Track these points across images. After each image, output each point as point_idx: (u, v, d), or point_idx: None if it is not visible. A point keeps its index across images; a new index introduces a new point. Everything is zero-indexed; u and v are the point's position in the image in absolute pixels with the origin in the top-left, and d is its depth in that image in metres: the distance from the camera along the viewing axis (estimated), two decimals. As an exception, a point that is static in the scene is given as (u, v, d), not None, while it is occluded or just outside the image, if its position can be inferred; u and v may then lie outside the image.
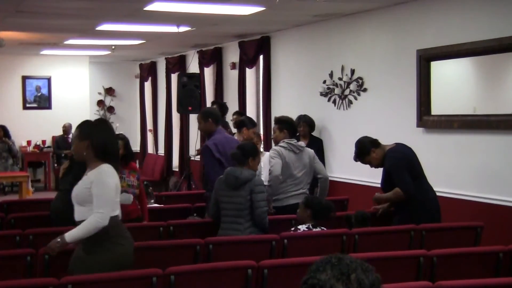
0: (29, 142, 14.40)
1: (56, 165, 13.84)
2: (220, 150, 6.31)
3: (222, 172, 6.15)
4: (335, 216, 5.86)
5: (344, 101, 8.94)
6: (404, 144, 6.24)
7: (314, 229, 5.58)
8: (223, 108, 10.11)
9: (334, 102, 9.13)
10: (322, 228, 5.62)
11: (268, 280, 4.48)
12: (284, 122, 6.85)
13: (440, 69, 7.41)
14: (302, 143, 6.87)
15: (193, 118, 13.00)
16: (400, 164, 5.98)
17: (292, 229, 5.68)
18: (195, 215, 6.82)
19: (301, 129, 8.86)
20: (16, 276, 4.54)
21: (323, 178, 6.76)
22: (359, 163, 6.36)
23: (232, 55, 11.95)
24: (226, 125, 9.34)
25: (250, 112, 11.45)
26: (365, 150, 6.12)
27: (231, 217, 5.62)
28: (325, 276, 1.94)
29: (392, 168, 6.02)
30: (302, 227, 5.60)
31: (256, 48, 10.90)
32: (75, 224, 5.80)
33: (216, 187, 5.73)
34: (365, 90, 8.57)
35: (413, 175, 5.99)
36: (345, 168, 8.84)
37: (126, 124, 15.67)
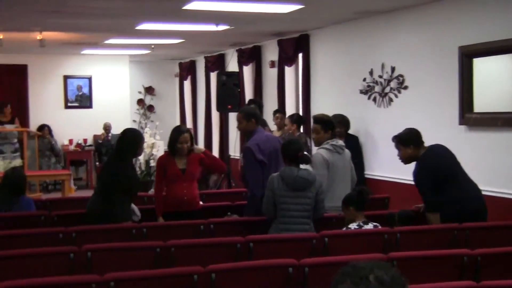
0: (71, 141, 14.56)
1: (97, 163, 13.98)
2: (263, 150, 6.30)
3: (262, 173, 6.16)
4: (371, 196, 5.97)
5: (384, 99, 8.87)
6: (437, 146, 6.11)
7: (365, 226, 5.58)
8: (260, 107, 10.11)
9: (374, 100, 9.06)
10: (375, 224, 5.61)
11: (309, 279, 4.47)
12: (328, 122, 6.72)
13: (482, 66, 7.29)
14: (342, 142, 6.82)
15: (233, 117, 13.02)
16: (423, 176, 5.93)
17: (344, 229, 5.68)
18: (229, 213, 6.83)
19: (337, 129, 8.78)
20: (60, 273, 4.59)
21: (353, 180, 6.74)
22: (398, 161, 6.28)
23: (271, 53, 11.94)
24: (265, 124, 9.33)
25: (290, 111, 11.42)
26: (407, 141, 6.05)
27: (298, 218, 5.63)
28: (345, 286, 1.94)
29: (416, 182, 6.03)
30: (353, 226, 5.61)
31: (295, 46, 10.87)
32: (109, 221, 5.91)
33: (273, 188, 5.67)
34: (406, 87, 8.48)
35: (447, 177, 5.90)
36: (385, 166, 8.77)
37: (166, 123, 15.70)
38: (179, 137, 6.46)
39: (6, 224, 6.20)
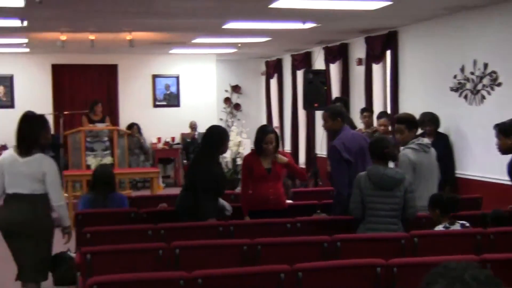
0: (159, 139, 14.82)
1: (185, 161, 14.17)
2: (348, 149, 6.22)
3: (348, 172, 6.09)
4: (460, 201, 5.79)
5: (476, 96, 8.61)
6: None
7: (452, 227, 5.44)
8: (347, 105, 10.01)
9: (466, 97, 8.82)
10: (463, 223, 5.46)
11: (398, 279, 4.38)
12: (412, 121, 6.61)
13: None
14: (427, 140, 6.69)
15: (320, 115, 12.95)
16: None
17: None
18: (318, 211, 6.79)
19: (427, 128, 8.63)
20: (148, 269, 4.66)
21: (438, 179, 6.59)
22: (492, 160, 6.11)
23: (358, 51, 11.81)
24: (351, 122, 9.23)
25: (377, 109, 11.26)
26: (509, 131, 5.87)
27: (385, 218, 5.54)
28: (438, 287, 1.86)
29: (509, 175, 5.89)
30: (439, 228, 5.47)
31: (383, 44, 10.71)
32: (195, 218, 5.98)
33: (361, 187, 5.60)
34: (499, 84, 8.21)
35: None
36: (477, 165, 8.52)
37: (252, 121, 15.79)
38: (265, 137, 6.44)
39: (99, 220, 6.34)
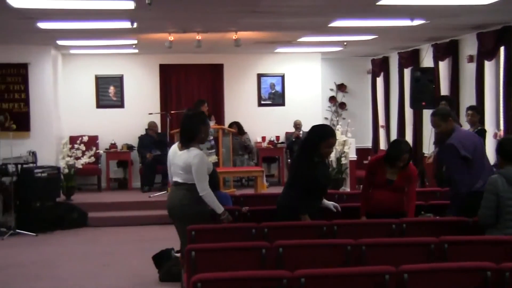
0: (263, 138, 14.87)
1: (289, 160, 14.17)
2: (466, 147, 6.06)
3: (467, 170, 5.92)
4: None
5: None
6: None
7: None
8: (452, 103, 9.73)
9: None
10: None
11: (510, 284, 4.22)
12: None
13: None
14: None
15: (427, 114, 12.66)
16: None
17: None
18: (422, 212, 6.64)
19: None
20: (251, 267, 4.68)
21: None
22: None
23: (469, 47, 11.45)
24: (456, 121, 8.97)
25: (489, 107, 10.90)
26: None
27: None
28: None
29: None
30: None
31: (496, 39, 10.33)
32: (290, 215, 5.95)
33: (498, 191, 5.43)
34: None
35: None
36: None
37: (358, 120, 15.66)
38: (400, 156, 6.39)
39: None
